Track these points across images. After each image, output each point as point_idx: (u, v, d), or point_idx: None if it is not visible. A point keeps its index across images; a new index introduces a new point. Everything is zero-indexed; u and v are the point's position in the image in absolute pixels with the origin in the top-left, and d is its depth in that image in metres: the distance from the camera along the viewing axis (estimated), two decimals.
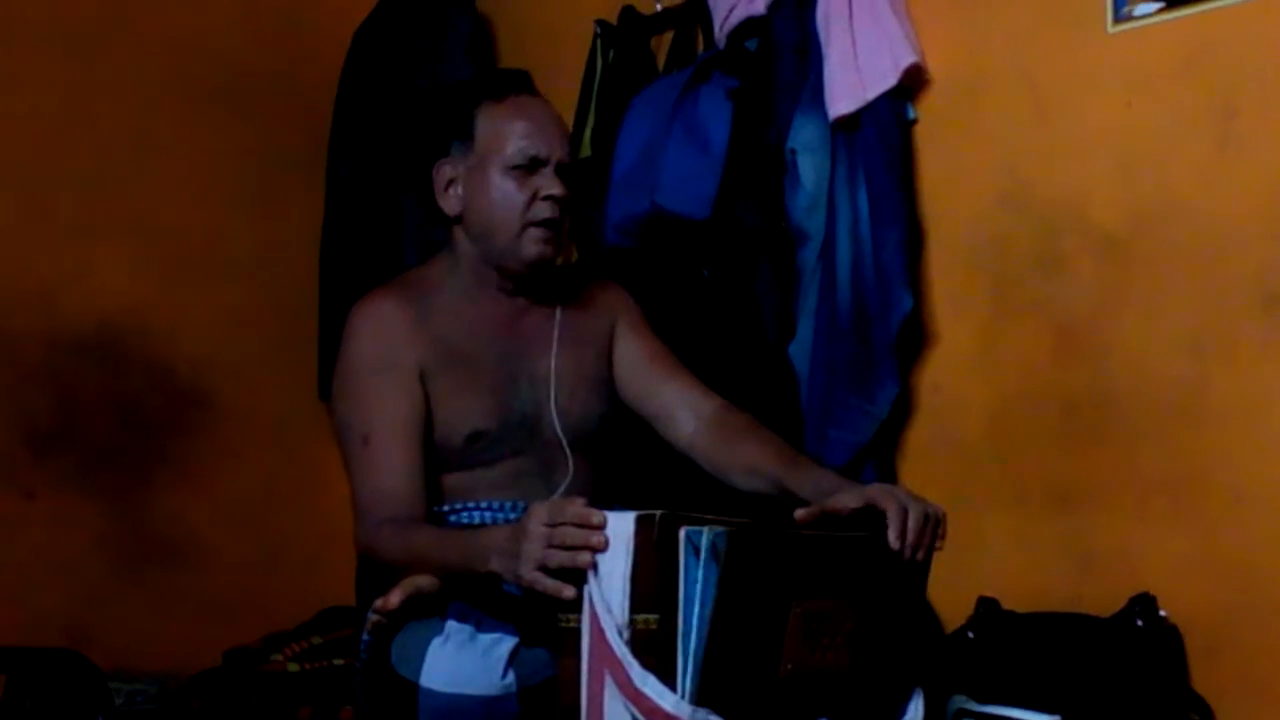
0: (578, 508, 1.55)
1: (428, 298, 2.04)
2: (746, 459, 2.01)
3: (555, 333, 2.08)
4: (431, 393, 1.97)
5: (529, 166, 1.99)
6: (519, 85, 2.07)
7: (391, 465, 1.91)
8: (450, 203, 2.04)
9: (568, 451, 2.03)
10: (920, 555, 1.66)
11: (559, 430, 2.03)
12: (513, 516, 1.94)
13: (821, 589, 1.56)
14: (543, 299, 2.10)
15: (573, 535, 1.53)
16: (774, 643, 1.51)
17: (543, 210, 1.99)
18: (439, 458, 1.98)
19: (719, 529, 1.46)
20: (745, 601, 1.47)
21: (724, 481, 2.05)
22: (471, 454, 1.99)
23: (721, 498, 2.04)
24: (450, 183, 2.04)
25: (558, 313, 2.10)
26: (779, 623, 1.51)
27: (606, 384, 2.13)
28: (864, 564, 1.63)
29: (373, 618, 1.79)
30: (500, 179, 1.99)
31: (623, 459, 2.18)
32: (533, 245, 2.00)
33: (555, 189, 1.99)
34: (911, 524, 1.65)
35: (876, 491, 1.71)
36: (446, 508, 1.99)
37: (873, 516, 1.66)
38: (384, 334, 1.98)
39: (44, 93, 3.06)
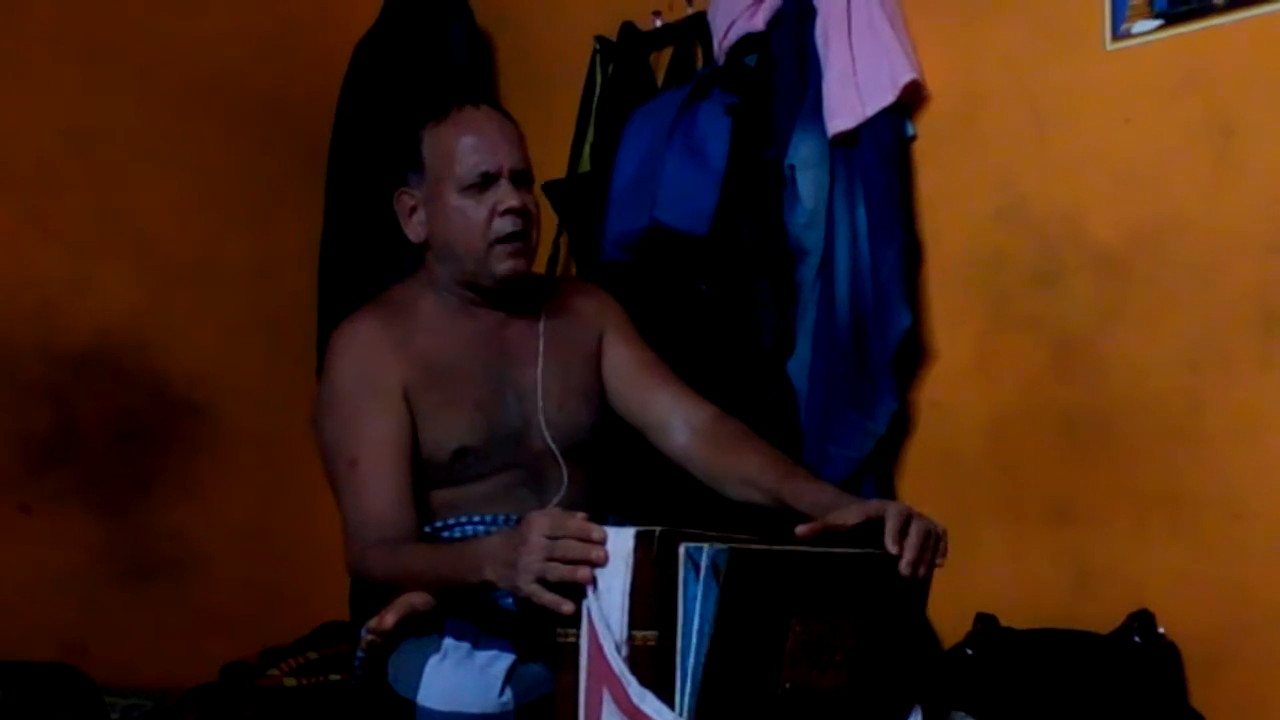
0: (579, 521, 1.54)
1: (409, 317, 2.03)
2: (742, 470, 2.00)
3: (540, 344, 2.08)
4: (416, 411, 1.96)
5: (482, 184, 1.98)
6: (462, 98, 2.05)
7: (380, 487, 1.90)
8: (415, 230, 2.05)
9: (561, 463, 2.03)
10: (921, 571, 1.65)
11: (550, 442, 2.03)
12: (506, 528, 1.93)
13: (821, 607, 1.55)
14: (526, 311, 2.09)
15: (573, 549, 1.52)
16: (773, 660, 1.51)
17: (504, 225, 1.98)
18: (427, 475, 1.97)
19: (719, 546, 1.46)
20: (745, 619, 1.47)
21: (719, 491, 2.04)
22: (459, 470, 1.98)
23: (717, 508, 2.04)
24: (412, 210, 2.05)
25: (542, 324, 2.10)
26: (778, 640, 1.51)
27: (596, 394, 2.13)
28: (865, 582, 1.62)
29: (367, 637, 1.78)
30: (457, 201, 1.99)
31: (616, 469, 2.17)
32: (501, 262, 1.99)
33: (513, 201, 1.98)
34: (913, 537, 1.64)
35: (878, 504, 1.71)
36: (439, 524, 1.98)
37: (874, 532, 1.66)
38: (366, 355, 1.97)
39: (42, 107, 3.06)
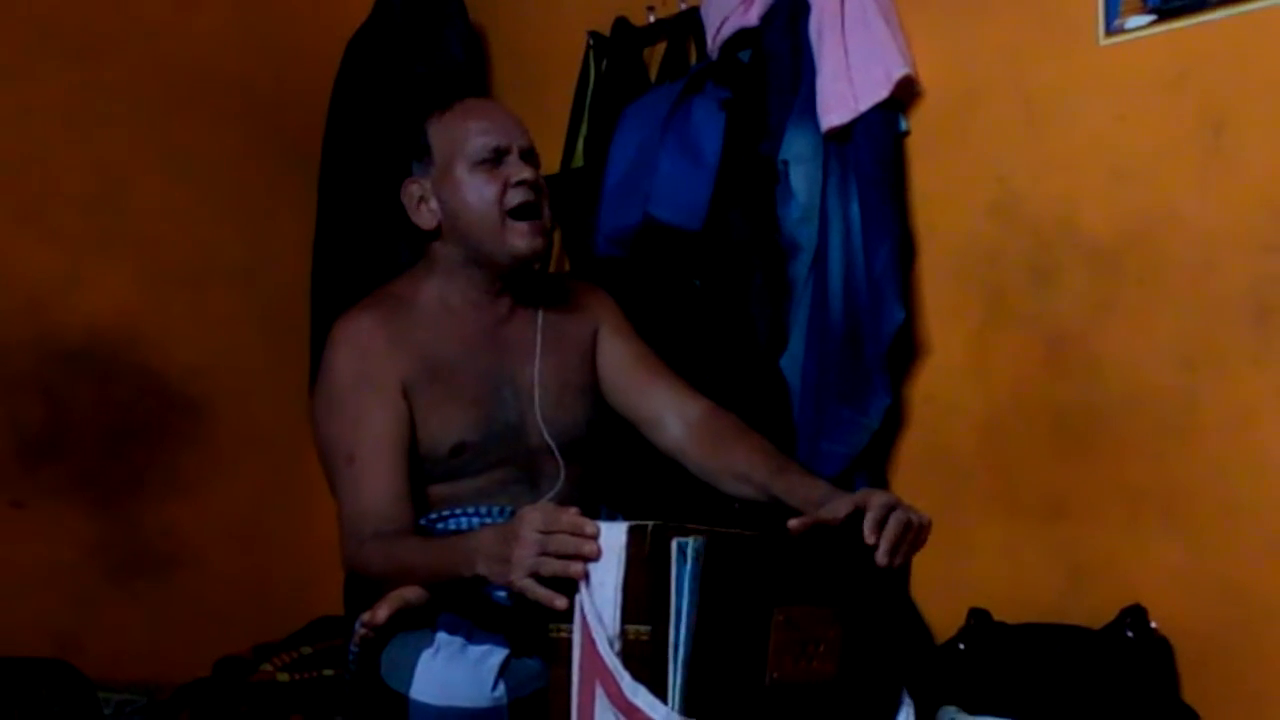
0: (571, 516, 1.54)
1: (407, 312, 2.04)
2: (735, 465, 2.00)
3: (538, 340, 2.08)
4: (414, 406, 1.96)
5: (494, 159, 2.00)
6: (464, 91, 2.08)
7: (377, 482, 1.90)
8: (425, 218, 2.05)
9: (558, 458, 2.03)
10: (896, 561, 1.66)
11: (546, 438, 2.03)
12: (500, 521, 1.93)
13: (803, 595, 1.56)
14: (525, 306, 2.10)
15: (566, 544, 1.52)
16: (758, 650, 1.51)
17: (517, 195, 1.99)
18: (424, 470, 1.97)
19: (700, 536, 1.46)
20: (725, 606, 1.48)
21: (712, 486, 2.05)
22: (456, 465, 1.99)
23: (711, 503, 2.04)
24: (420, 200, 2.05)
25: (540, 320, 2.10)
26: (762, 630, 1.51)
27: (592, 390, 2.13)
28: (844, 571, 1.63)
29: (360, 632, 1.78)
30: (469, 177, 2.00)
31: (611, 464, 2.18)
32: (519, 239, 2.00)
33: (525, 173, 2.00)
34: (891, 527, 1.65)
35: (864, 494, 1.72)
36: (434, 515, 1.98)
37: (859, 523, 1.66)
38: (365, 351, 1.97)
39: (35, 102, 3.05)
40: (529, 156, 2.04)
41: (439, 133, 2.04)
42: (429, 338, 2.01)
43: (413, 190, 2.06)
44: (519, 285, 2.08)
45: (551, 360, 2.08)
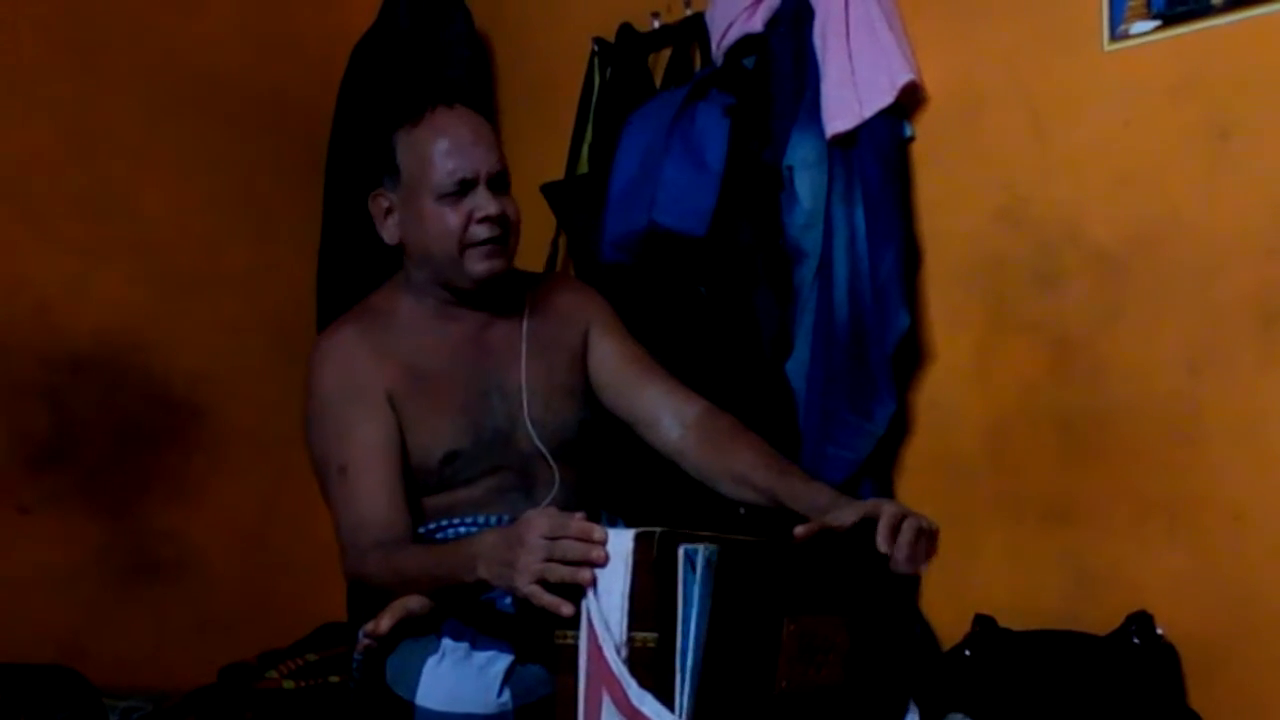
0: (579, 522, 1.52)
1: (389, 323, 2.02)
2: (735, 466, 1.99)
3: (524, 343, 2.06)
4: (402, 417, 1.95)
5: (459, 191, 1.96)
6: (435, 99, 2.02)
7: (371, 492, 1.89)
8: (390, 232, 2.03)
9: (551, 462, 2.02)
10: (914, 569, 1.66)
11: (537, 442, 2.01)
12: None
13: (814, 605, 1.56)
14: (508, 310, 2.08)
15: (574, 550, 1.50)
16: (768, 659, 1.51)
17: (480, 232, 1.96)
18: (417, 481, 1.96)
19: (712, 545, 1.46)
20: (737, 616, 1.47)
21: (711, 488, 2.03)
22: (449, 474, 1.97)
23: (714, 507, 2.03)
24: (387, 213, 2.03)
25: (525, 323, 2.08)
26: (772, 639, 1.51)
27: (583, 391, 2.11)
28: (855, 580, 1.62)
29: (363, 641, 1.78)
30: (433, 207, 1.96)
31: (607, 466, 2.17)
32: (477, 264, 1.97)
33: (490, 208, 1.96)
34: (905, 536, 1.64)
35: (873, 503, 1.71)
36: (431, 526, 1.98)
37: (869, 532, 1.66)
38: (348, 364, 1.97)
39: (41, 108, 3.06)
40: (496, 182, 1.98)
41: (407, 151, 1.99)
42: (412, 348, 2.00)
43: (380, 203, 2.03)
44: (499, 291, 2.05)
45: (539, 363, 2.05)
